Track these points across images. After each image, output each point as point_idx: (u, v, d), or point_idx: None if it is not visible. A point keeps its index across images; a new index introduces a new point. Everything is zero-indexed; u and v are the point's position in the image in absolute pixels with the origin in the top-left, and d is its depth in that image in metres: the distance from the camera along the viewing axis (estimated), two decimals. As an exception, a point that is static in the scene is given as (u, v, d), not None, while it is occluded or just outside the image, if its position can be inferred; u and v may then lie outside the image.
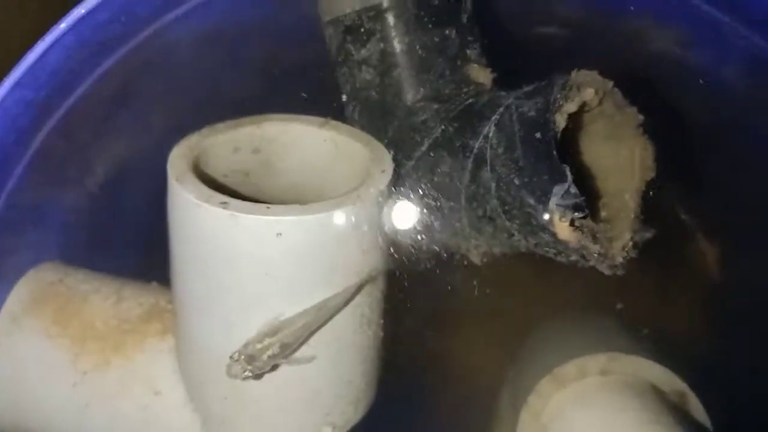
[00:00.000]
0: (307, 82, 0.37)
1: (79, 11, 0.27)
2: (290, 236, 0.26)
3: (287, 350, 0.27)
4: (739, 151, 0.36)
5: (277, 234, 0.26)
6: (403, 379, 0.36)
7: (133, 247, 0.39)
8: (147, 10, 0.28)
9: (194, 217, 0.27)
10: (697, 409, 0.34)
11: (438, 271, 0.32)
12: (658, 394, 0.33)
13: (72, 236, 0.37)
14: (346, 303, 0.28)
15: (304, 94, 0.35)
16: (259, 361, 0.26)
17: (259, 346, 0.26)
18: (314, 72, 0.35)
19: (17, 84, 0.27)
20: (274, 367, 0.27)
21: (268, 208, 0.26)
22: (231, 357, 0.26)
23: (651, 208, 0.39)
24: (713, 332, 0.44)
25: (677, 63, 0.31)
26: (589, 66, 0.30)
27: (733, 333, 0.42)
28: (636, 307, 0.41)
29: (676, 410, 0.32)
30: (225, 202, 0.26)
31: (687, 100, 0.33)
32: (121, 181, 0.38)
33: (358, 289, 0.27)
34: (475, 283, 0.33)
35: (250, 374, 0.26)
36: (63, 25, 0.27)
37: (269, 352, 0.27)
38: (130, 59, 0.30)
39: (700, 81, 0.30)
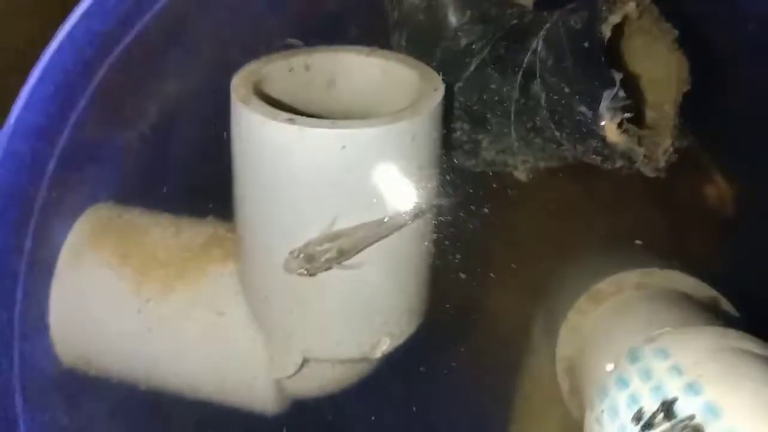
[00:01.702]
0: (345, 30, 0.38)
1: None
2: (353, 148, 0.28)
3: (344, 256, 0.29)
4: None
5: (342, 146, 0.28)
6: (437, 318, 0.37)
7: (181, 192, 0.41)
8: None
9: (261, 134, 0.28)
10: (730, 310, 0.36)
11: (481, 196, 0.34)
12: (692, 301, 0.35)
13: (125, 177, 0.38)
14: (404, 225, 0.29)
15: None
16: (316, 262, 0.28)
17: (318, 248, 0.28)
18: (355, 18, 0.37)
19: (86, 14, 0.29)
20: (328, 268, 0.29)
21: (332, 122, 0.28)
22: (291, 253, 0.28)
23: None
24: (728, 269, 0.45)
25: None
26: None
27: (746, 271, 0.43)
28: (654, 244, 0.43)
29: (710, 311, 0.34)
30: (291, 118, 0.28)
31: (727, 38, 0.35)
32: (171, 125, 0.39)
33: (418, 214, 0.29)
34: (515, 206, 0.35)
35: (305, 272, 0.28)
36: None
37: (327, 255, 0.28)
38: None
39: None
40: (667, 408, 0.22)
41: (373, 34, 0.35)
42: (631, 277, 0.37)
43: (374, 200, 0.29)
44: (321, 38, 0.38)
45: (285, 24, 0.39)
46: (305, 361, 0.32)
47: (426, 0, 0.31)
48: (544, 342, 0.40)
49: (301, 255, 0.27)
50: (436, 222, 0.32)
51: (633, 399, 0.25)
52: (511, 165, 0.32)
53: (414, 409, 0.36)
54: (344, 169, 0.28)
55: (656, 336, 0.28)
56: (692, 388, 0.23)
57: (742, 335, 0.27)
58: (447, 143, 0.32)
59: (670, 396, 0.23)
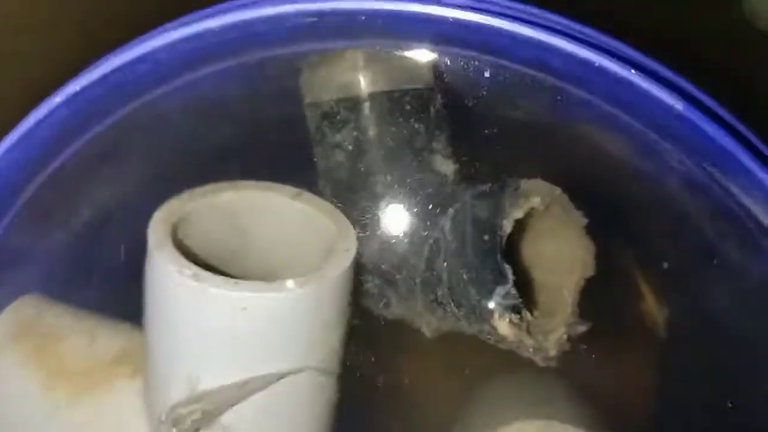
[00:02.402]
0: (289, 137, 0.39)
1: (74, 88, 0.29)
2: (254, 311, 0.29)
3: (208, 417, 0.30)
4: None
5: (242, 308, 0.29)
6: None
7: (113, 283, 0.41)
8: (137, 87, 0.31)
9: (168, 284, 0.29)
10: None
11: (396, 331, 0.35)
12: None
13: (55, 272, 0.39)
14: (266, 386, 0.30)
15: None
16: (183, 425, 0.29)
17: (183, 410, 0.29)
18: (297, 128, 0.38)
19: (11, 148, 0.29)
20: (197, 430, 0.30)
21: (236, 283, 0.29)
22: (159, 418, 0.29)
23: (609, 269, 0.42)
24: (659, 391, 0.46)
25: (625, 165, 0.34)
26: (547, 160, 0.33)
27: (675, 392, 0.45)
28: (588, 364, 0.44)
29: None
30: (197, 275, 0.29)
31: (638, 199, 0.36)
32: (106, 222, 0.40)
33: (281, 376, 0.29)
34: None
35: None
36: (57, 99, 0.29)
37: (193, 417, 0.29)
38: (118, 125, 0.33)
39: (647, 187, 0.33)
40: None
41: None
42: (532, 428, 0.38)
43: (278, 358, 0.30)
44: (261, 146, 0.39)
45: (225, 135, 0.40)
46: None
47: (350, 160, 0.32)
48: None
49: (169, 419, 0.28)
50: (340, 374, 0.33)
51: None
52: (418, 323, 0.33)
53: None
54: (245, 329, 0.29)
55: None
56: None
57: None
58: (361, 290, 0.34)
59: None
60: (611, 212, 0.35)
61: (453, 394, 0.43)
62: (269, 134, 0.39)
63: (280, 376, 0.30)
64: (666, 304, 0.47)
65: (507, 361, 0.44)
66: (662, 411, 0.44)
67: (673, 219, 0.35)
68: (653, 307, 0.49)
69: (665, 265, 0.39)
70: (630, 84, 0.26)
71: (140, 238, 0.32)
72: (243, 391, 0.29)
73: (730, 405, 0.39)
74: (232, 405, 0.29)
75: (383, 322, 0.34)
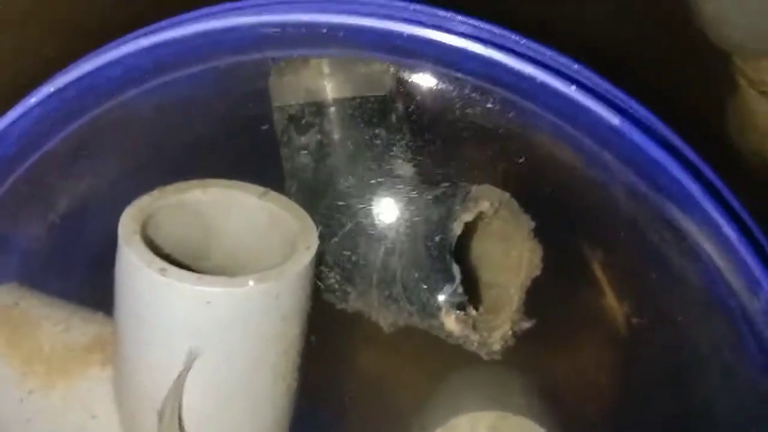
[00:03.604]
0: (258, 137, 0.41)
1: (48, 89, 0.30)
2: (217, 305, 0.30)
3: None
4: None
5: (207, 302, 0.30)
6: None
7: (88, 273, 0.43)
8: (110, 89, 0.32)
9: (136, 278, 0.31)
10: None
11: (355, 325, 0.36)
12: (535, 453, 0.37)
13: (32, 261, 0.41)
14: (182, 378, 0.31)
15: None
16: None
17: None
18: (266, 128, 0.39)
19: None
20: None
21: (199, 278, 0.30)
22: None
23: (570, 266, 0.43)
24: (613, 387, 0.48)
25: (575, 172, 0.36)
26: (498, 165, 0.35)
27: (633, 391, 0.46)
28: (546, 359, 0.46)
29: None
30: (164, 269, 0.30)
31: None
32: (81, 214, 0.41)
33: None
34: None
35: None
36: (32, 100, 0.30)
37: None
38: (92, 123, 0.34)
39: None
40: None
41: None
42: (487, 418, 0.40)
43: (239, 350, 0.32)
44: (231, 143, 0.40)
45: (197, 132, 0.41)
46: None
47: (314, 162, 0.34)
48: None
49: None
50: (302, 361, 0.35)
51: None
52: (375, 317, 0.35)
53: None
54: (209, 322, 0.31)
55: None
56: None
57: None
58: (322, 284, 0.35)
59: None
60: (563, 213, 0.37)
61: (414, 388, 0.45)
62: (239, 134, 0.41)
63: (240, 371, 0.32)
64: (625, 302, 0.50)
65: (466, 357, 0.46)
66: (619, 407, 0.46)
67: (621, 223, 0.37)
68: (613, 304, 0.51)
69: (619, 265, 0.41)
70: (570, 99, 0.27)
71: (114, 231, 0.34)
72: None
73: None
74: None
75: (344, 317, 0.36)
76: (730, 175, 0.34)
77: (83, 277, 0.43)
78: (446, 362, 0.45)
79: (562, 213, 0.37)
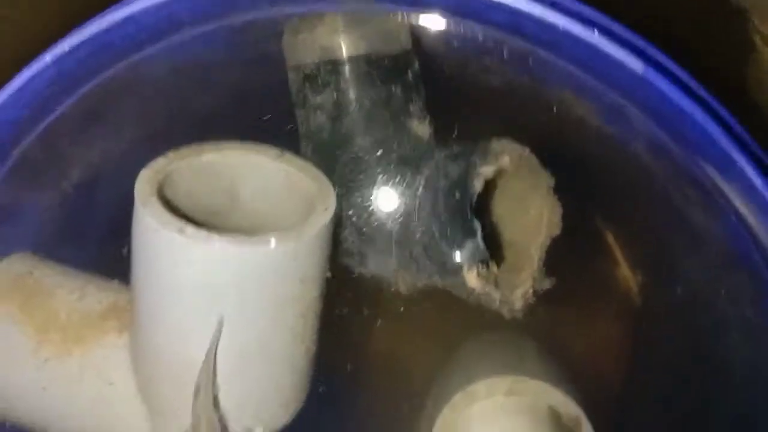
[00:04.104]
0: (273, 102, 0.40)
1: (63, 47, 0.30)
2: (235, 263, 0.30)
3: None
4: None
5: (225, 261, 0.30)
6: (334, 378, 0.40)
7: (102, 242, 0.43)
8: (124, 48, 0.32)
9: (153, 238, 0.31)
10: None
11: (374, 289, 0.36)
12: (553, 416, 0.37)
13: (45, 230, 0.40)
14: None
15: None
16: None
17: None
18: (281, 93, 0.39)
19: (0, 107, 0.31)
20: None
21: (218, 237, 0.30)
22: None
23: (585, 235, 0.43)
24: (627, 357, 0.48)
25: (596, 130, 0.35)
26: (520, 121, 0.34)
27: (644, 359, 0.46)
28: (561, 326, 0.45)
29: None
30: (181, 229, 0.30)
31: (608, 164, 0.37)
32: (95, 182, 0.41)
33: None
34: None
35: None
36: (47, 58, 0.30)
37: None
38: (106, 85, 0.34)
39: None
40: None
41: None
42: (504, 383, 0.40)
43: (257, 309, 0.31)
44: (246, 111, 0.40)
45: (211, 99, 0.41)
46: (183, 438, 0.35)
47: (331, 121, 0.33)
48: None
49: None
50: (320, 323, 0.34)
51: None
52: (394, 281, 0.34)
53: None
54: (226, 281, 0.30)
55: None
56: None
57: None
58: (340, 248, 0.35)
59: None
60: (581, 175, 0.37)
61: (428, 360, 0.45)
62: (253, 97, 0.40)
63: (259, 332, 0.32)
64: (640, 271, 0.49)
65: (480, 326, 0.46)
66: (634, 375, 0.45)
67: (640, 183, 0.36)
68: (627, 274, 0.50)
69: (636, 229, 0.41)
70: (594, 47, 0.27)
71: (128, 200, 0.33)
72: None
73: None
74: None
75: (361, 283, 0.36)
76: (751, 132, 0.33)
77: (97, 247, 0.43)
78: (460, 333, 0.45)
79: (582, 174, 0.36)
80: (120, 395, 0.36)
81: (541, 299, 0.38)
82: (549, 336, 0.45)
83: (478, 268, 0.29)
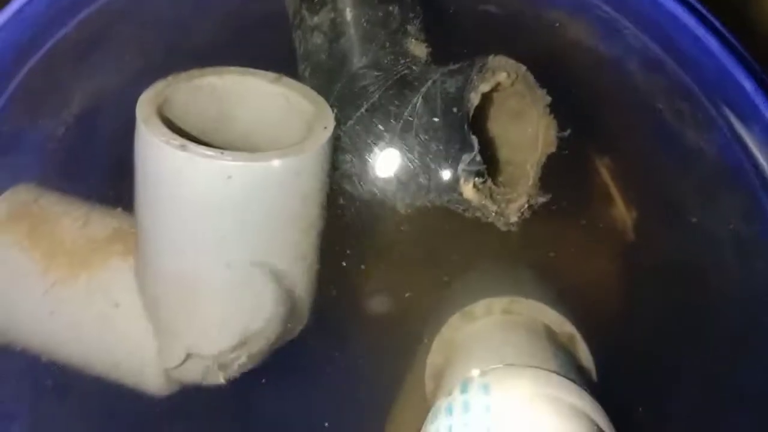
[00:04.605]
0: (272, 33, 0.41)
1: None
2: (238, 179, 0.31)
3: (255, 359, 0.33)
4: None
5: (228, 177, 0.30)
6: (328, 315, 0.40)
7: (104, 173, 0.43)
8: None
9: (156, 156, 0.31)
10: (582, 350, 0.40)
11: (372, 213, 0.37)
12: (549, 333, 0.38)
13: (48, 161, 0.41)
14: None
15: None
16: (231, 369, 0.33)
17: (231, 356, 0.32)
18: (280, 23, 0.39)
19: (1, 28, 0.31)
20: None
21: (220, 152, 0.30)
22: (207, 366, 0.32)
23: (581, 173, 0.44)
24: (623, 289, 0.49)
25: (590, 51, 0.35)
26: (516, 45, 0.35)
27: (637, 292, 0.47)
28: (559, 259, 0.46)
29: (562, 348, 0.38)
30: (184, 145, 0.31)
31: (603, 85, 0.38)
32: (96, 114, 0.41)
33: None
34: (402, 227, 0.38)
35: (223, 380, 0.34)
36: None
37: (239, 362, 0.33)
38: (105, 11, 0.34)
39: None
40: (465, 445, 0.26)
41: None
42: (501, 303, 0.41)
43: (260, 227, 0.32)
44: (245, 42, 0.40)
45: (210, 28, 0.41)
46: (189, 356, 0.36)
47: (328, 42, 0.34)
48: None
49: (215, 365, 0.32)
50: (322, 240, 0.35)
51: (449, 429, 0.28)
52: (392, 200, 0.35)
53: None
54: (229, 197, 0.31)
55: (489, 371, 0.32)
56: (490, 431, 0.26)
57: (563, 383, 0.31)
58: (338, 171, 0.36)
59: (471, 433, 0.27)
60: (576, 100, 0.37)
61: (428, 285, 0.46)
62: (252, 26, 0.41)
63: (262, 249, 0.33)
64: (635, 207, 0.50)
65: (477, 258, 0.47)
66: (629, 301, 0.46)
67: (634, 104, 0.37)
68: (623, 211, 0.51)
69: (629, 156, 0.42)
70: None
71: (131, 132, 0.34)
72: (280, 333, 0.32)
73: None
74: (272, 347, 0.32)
75: (361, 205, 0.36)
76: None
77: (100, 180, 0.43)
78: (458, 262, 0.46)
79: (578, 98, 0.37)
80: (126, 316, 0.37)
81: (539, 223, 0.39)
82: (545, 268, 0.46)
83: (474, 180, 0.30)
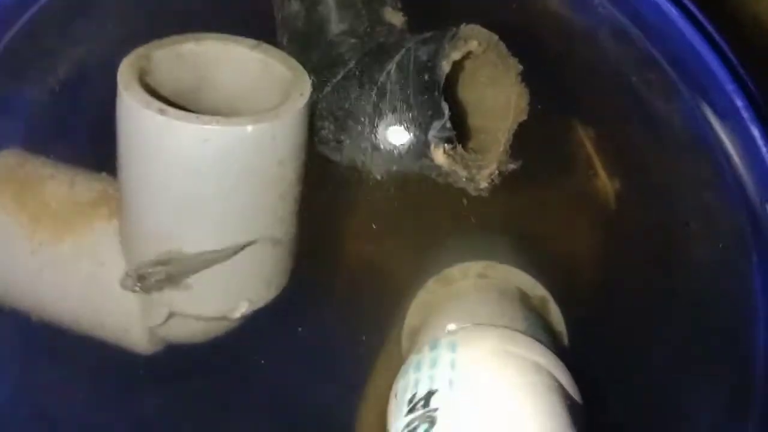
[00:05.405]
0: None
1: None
2: (215, 143, 0.31)
3: (174, 280, 0.34)
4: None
5: (204, 140, 0.31)
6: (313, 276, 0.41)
7: (89, 137, 0.44)
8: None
9: (136, 121, 0.32)
10: (555, 313, 0.41)
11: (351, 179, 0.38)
12: (522, 296, 0.40)
13: (34, 127, 0.42)
14: (229, 257, 0.34)
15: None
16: (147, 282, 0.34)
17: (150, 270, 0.33)
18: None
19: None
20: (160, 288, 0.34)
21: (197, 117, 0.31)
22: (126, 272, 0.32)
23: (565, 143, 0.44)
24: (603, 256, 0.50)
25: (564, 21, 0.36)
26: (491, 14, 0.35)
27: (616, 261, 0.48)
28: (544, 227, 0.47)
29: (534, 310, 0.39)
30: (162, 109, 0.31)
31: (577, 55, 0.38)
32: (81, 80, 0.42)
33: (241, 247, 0.33)
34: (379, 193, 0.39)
35: (139, 290, 0.34)
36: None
37: (157, 278, 0.34)
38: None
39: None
40: (428, 398, 0.27)
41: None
42: (476, 267, 0.42)
43: (237, 190, 0.33)
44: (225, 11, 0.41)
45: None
46: (172, 314, 0.37)
47: (306, 9, 0.34)
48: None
49: (134, 275, 0.32)
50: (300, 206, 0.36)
51: (416, 383, 0.30)
52: (368, 166, 0.36)
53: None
54: (207, 160, 0.32)
55: (458, 329, 0.33)
56: (452, 384, 0.28)
57: (527, 342, 0.32)
58: (316, 137, 0.36)
59: (435, 387, 0.28)
60: (553, 69, 0.38)
61: (410, 257, 0.47)
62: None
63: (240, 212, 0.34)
64: (617, 178, 0.51)
65: (454, 228, 0.48)
66: (609, 271, 0.47)
67: (606, 73, 0.38)
68: (605, 182, 0.52)
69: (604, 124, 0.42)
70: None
71: (114, 96, 0.34)
72: (205, 261, 0.32)
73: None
74: (194, 272, 0.32)
75: (338, 171, 0.37)
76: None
77: (85, 145, 0.44)
78: (435, 235, 0.47)
79: (552, 67, 0.37)
80: (111, 275, 0.38)
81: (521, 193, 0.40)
82: (527, 236, 0.47)
83: (444, 146, 0.31)
